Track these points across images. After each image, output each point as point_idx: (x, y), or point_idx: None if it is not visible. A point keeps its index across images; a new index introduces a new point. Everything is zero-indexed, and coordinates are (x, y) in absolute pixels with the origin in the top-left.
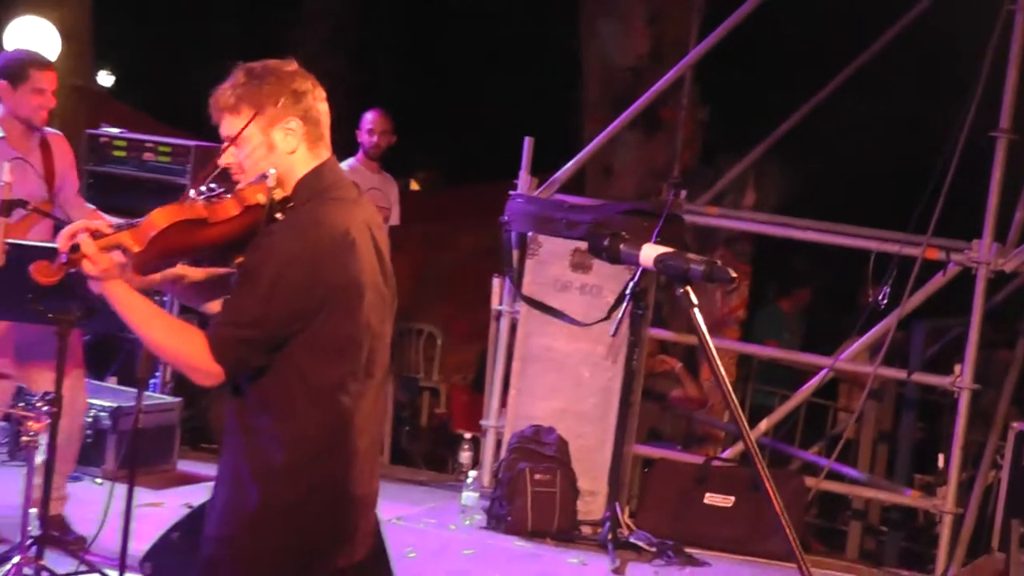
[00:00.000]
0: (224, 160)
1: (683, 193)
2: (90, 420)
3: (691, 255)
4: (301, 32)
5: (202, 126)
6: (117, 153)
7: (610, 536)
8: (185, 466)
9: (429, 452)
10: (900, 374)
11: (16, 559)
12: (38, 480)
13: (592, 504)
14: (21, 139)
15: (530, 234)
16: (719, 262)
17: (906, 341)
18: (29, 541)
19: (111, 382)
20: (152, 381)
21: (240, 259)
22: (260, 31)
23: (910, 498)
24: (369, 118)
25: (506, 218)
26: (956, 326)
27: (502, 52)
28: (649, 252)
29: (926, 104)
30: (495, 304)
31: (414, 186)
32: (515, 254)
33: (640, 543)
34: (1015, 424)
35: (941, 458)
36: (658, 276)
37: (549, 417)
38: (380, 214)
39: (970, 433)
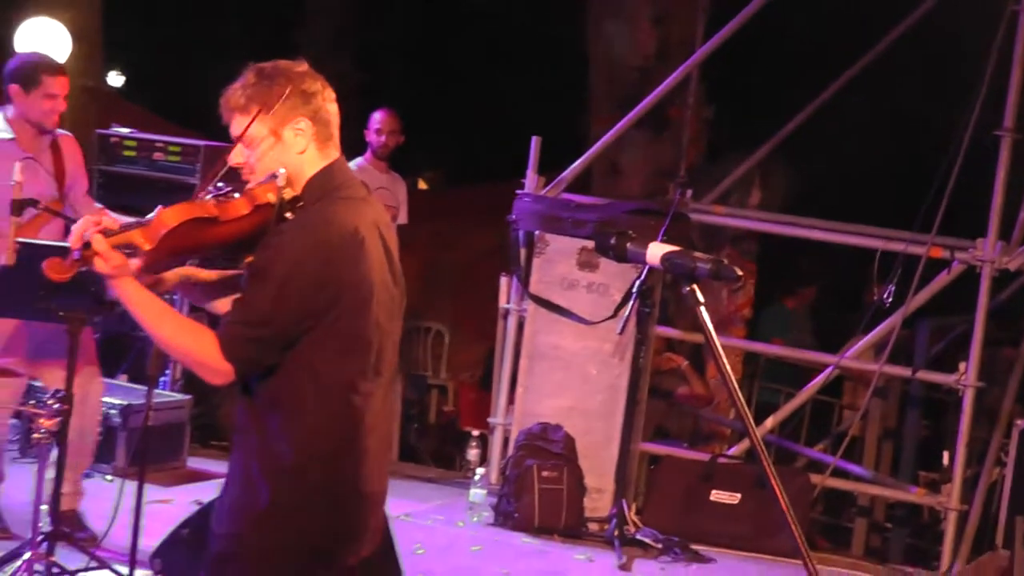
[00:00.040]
0: (234, 159)
1: (689, 192)
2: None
3: (697, 253)
4: (308, 32)
5: (211, 126)
6: (127, 153)
7: (617, 533)
8: (195, 463)
9: (437, 449)
10: (905, 372)
11: (27, 555)
12: (49, 476)
13: (599, 501)
14: (32, 140)
15: (537, 233)
16: (725, 260)
17: (911, 339)
18: (40, 537)
19: (122, 380)
20: (162, 379)
21: (250, 258)
22: (267, 32)
23: (915, 495)
24: (377, 118)
25: (513, 217)
26: (960, 324)
27: (509, 52)
28: (656, 250)
29: (931, 104)
30: (503, 302)
31: (422, 185)
32: (522, 253)
33: (646, 540)
34: (1019, 421)
35: (946, 455)
36: (664, 274)
37: (556, 414)
38: (388, 213)
39: (974, 430)
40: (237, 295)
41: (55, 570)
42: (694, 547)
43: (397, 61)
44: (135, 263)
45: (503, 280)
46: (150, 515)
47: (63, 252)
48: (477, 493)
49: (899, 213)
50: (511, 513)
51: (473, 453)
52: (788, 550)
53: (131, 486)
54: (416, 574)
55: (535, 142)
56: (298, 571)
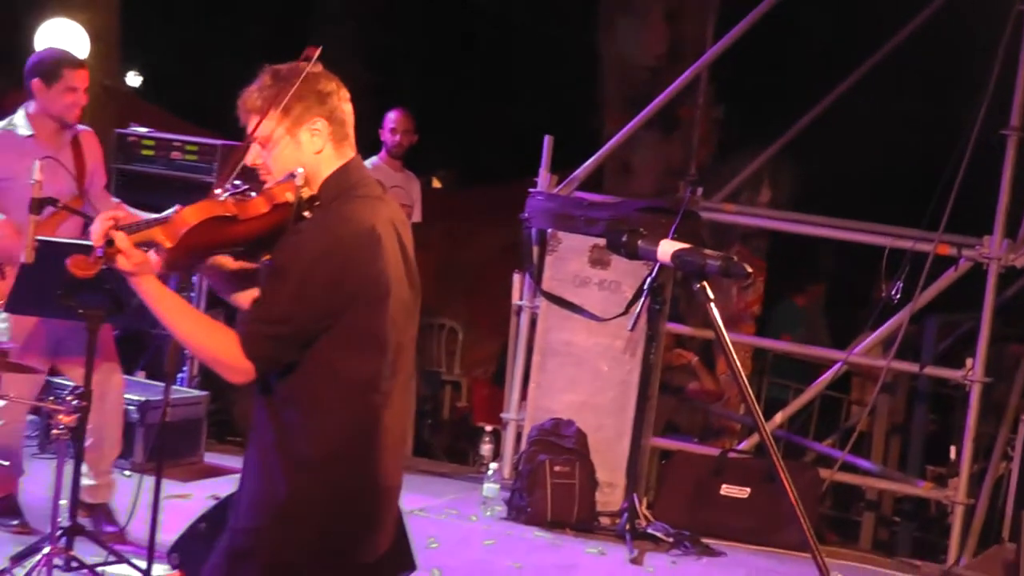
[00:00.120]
0: (251, 160)
1: (700, 190)
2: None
3: (707, 251)
4: (322, 34)
5: (227, 125)
6: (145, 152)
7: (628, 527)
8: (212, 458)
9: (451, 445)
10: (912, 368)
11: (46, 549)
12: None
13: (611, 495)
14: (53, 136)
15: (550, 231)
16: (735, 258)
17: (918, 335)
18: (59, 532)
19: (140, 376)
20: (180, 375)
21: (267, 256)
22: (282, 33)
23: (922, 489)
24: (391, 117)
25: (526, 215)
26: (967, 321)
27: (522, 52)
28: (666, 248)
29: (938, 103)
30: (515, 299)
31: (436, 184)
32: (535, 250)
33: (658, 533)
34: None
35: (953, 450)
36: (675, 272)
37: (568, 410)
38: (403, 212)
39: (981, 425)
40: (256, 291)
41: (74, 564)
42: (704, 541)
43: (411, 61)
44: (155, 260)
45: (516, 277)
46: (168, 510)
47: (83, 250)
48: (490, 488)
49: (907, 211)
50: (524, 507)
51: (486, 448)
52: (797, 543)
53: (149, 481)
54: (430, 568)
55: (548, 141)
56: (316, 567)
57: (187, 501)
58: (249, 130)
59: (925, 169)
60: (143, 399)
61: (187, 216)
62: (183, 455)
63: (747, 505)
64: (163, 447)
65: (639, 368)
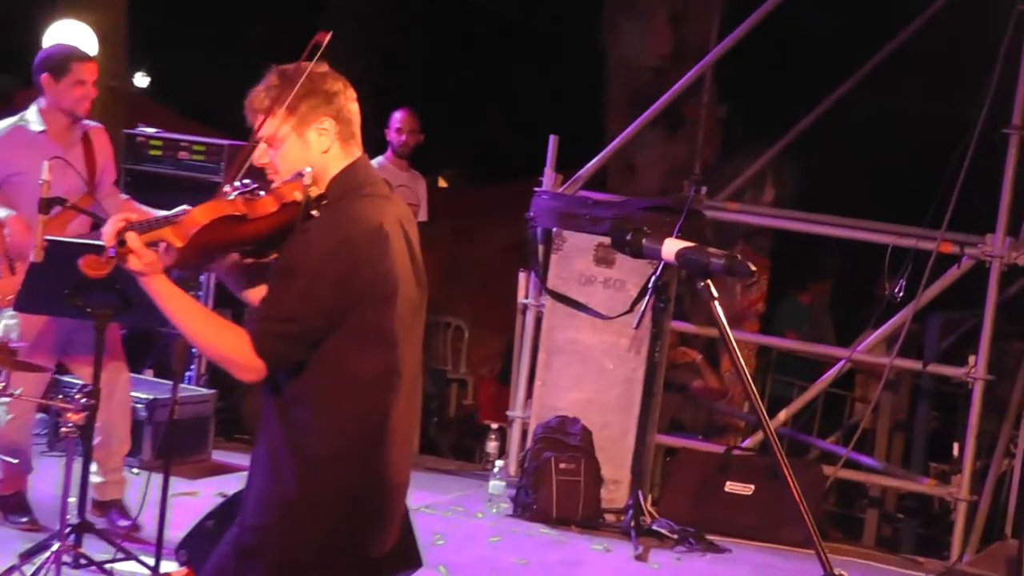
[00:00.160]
0: (259, 159)
1: (704, 189)
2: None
3: (711, 249)
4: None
5: (233, 125)
6: (153, 152)
7: (633, 523)
8: (219, 456)
9: (457, 442)
10: (916, 365)
11: (55, 546)
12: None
13: (616, 492)
14: (64, 132)
15: (555, 230)
16: (739, 256)
17: (921, 333)
18: (68, 529)
19: (147, 375)
20: (187, 374)
21: (275, 255)
22: (287, 33)
23: (925, 486)
24: (397, 117)
25: (531, 214)
26: (970, 318)
27: (528, 52)
28: (671, 247)
29: (940, 101)
30: (521, 298)
31: (442, 183)
32: (540, 249)
33: (662, 530)
34: None
35: (956, 447)
36: (679, 270)
37: (574, 408)
38: (409, 211)
39: (984, 423)
40: (265, 284)
41: (82, 561)
42: (709, 537)
43: (416, 61)
44: (166, 260)
45: (521, 276)
46: (176, 507)
47: (92, 249)
48: (496, 485)
49: (909, 209)
50: (529, 504)
51: (492, 446)
52: (801, 540)
53: (157, 479)
54: (436, 564)
55: (553, 141)
56: (324, 564)
57: (195, 498)
58: (256, 129)
59: (927, 168)
60: (151, 397)
61: (197, 216)
62: (191, 453)
63: (751, 502)
64: (171, 445)
65: (644, 366)
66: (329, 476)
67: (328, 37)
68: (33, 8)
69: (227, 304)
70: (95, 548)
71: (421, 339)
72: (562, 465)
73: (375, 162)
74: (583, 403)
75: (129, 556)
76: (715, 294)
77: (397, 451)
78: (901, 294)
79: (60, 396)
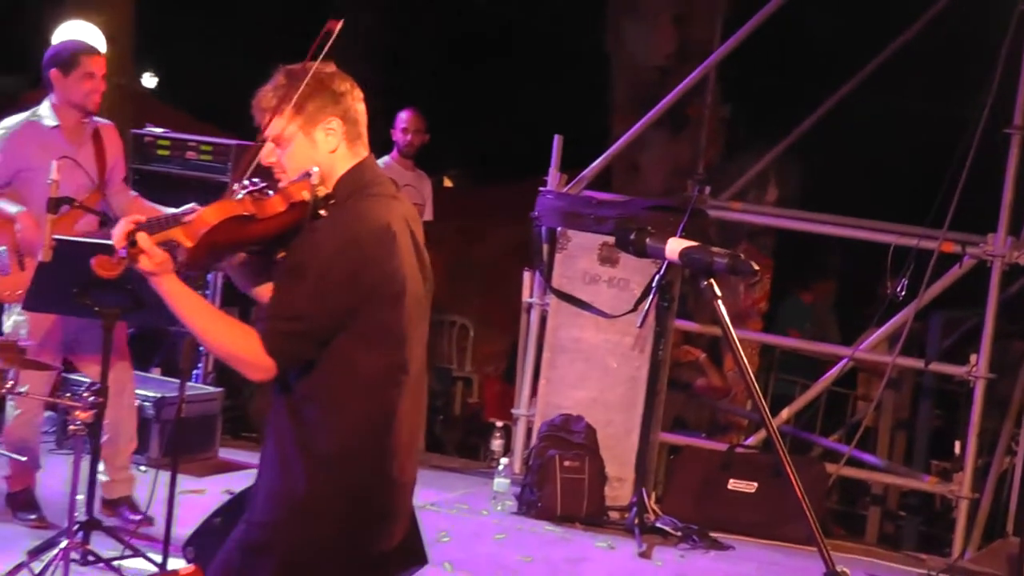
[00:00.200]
0: (266, 159)
1: (707, 189)
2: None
3: (715, 249)
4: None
5: (241, 125)
6: (161, 152)
7: (637, 521)
8: (226, 454)
9: (462, 440)
10: (917, 364)
11: (63, 543)
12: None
13: (620, 490)
14: (75, 128)
15: (559, 229)
16: (742, 256)
17: (923, 332)
18: (76, 526)
19: (155, 373)
20: (195, 372)
21: (282, 254)
22: (293, 33)
23: (927, 484)
24: (403, 117)
25: (536, 214)
26: (972, 317)
27: (533, 53)
28: (674, 246)
29: (942, 102)
30: (526, 297)
31: (447, 183)
32: (545, 248)
33: (666, 527)
34: None
35: (957, 445)
36: (683, 269)
37: (578, 406)
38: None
39: (985, 421)
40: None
41: (90, 558)
42: (712, 534)
43: (422, 61)
44: (176, 260)
45: (526, 275)
46: (183, 505)
47: (102, 249)
48: (501, 483)
49: (911, 209)
50: (534, 502)
51: (497, 444)
52: (804, 537)
53: (164, 476)
54: (441, 562)
55: (557, 141)
56: (333, 560)
57: (202, 496)
58: (263, 128)
59: (929, 167)
60: (159, 395)
61: (207, 216)
62: (198, 450)
63: (754, 499)
64: (178, 443)
65: (648, 364)
66: (338, 473)
67: (339, 25)
68: (41, 9)
69: (234, 302)
70: (103, 545)
71: (427, 337)
72: (566, 463)
73: (381, 162)
74: (587, 401)
75: (137, 553)
76: (718, 293)
77: (404, 449)
78: (903, 293)
79: (68, 394)
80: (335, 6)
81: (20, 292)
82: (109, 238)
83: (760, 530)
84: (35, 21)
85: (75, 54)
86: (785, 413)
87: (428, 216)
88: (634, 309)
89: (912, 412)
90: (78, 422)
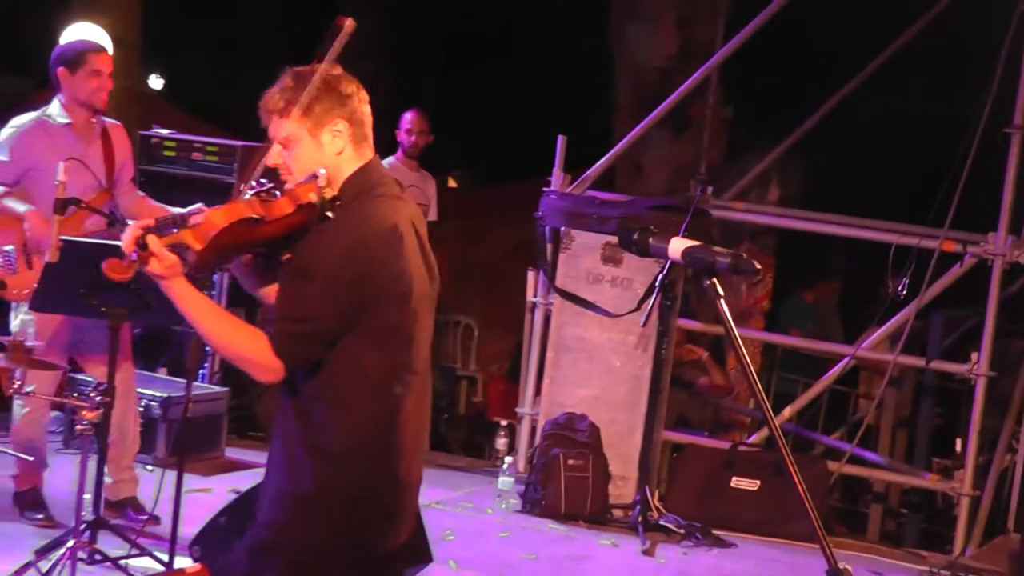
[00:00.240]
0: (273, 161)
1: (710, 189)
2: (141, 409)
3: (717, 248)
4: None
5: (246, 126)
6: (167, 153)
7: (640, 519)
8: (233, 453)
9: (467, 439)
10: (919, 362)
11: (70, 543)
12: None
13: (623, 488)
14: (84, 126)
15: (563, 229)
16: (744, 255)
17: (924, 330)
18: (83, 525)
19: (161, 373)
20: (201, 372)
21: (287, 255)
22: (299, 34)
23: (929, 481)
24: (407, 118)
25: (540, 214)
26: (972, 316)
27: (536, 54)
28: (677, 245)
29: (943, 102)
30: (530, 296)
31: (452, 183)
32: (549, 248)
33: (669, 525)
34: None
35: (958, 443)
36: (686, 269)
37: (582, 405)
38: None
39: (986, 418)
40: (279, 284)
41: (97, 557)
42: (715, 532)
43: (426, 62)
44: (185, 262)
45: (530, 275)
46: (189, 504)
47: (109, 250)
48: (505, 481)
49: (912, 208)
50: (538, 500)
51: (501, 442)
52: (806, 535)
53: (171, 475)
54: (446, 559)
55: (561, 141)
56: (341, 557)
57: (208, 495)
58: (270, 131)
59: (930, 167)
60: (165, 395)
61: (216, 219)
62: (204, 450)
63: (757, 497)
64: (185, 442)
65: (651, 363)
66: (345, 473)
67: (349, 22)
68: (48, 11)
69: (240, 303)
70: (110, 544)
71: (432, 336)
72: (570, 461)
73: (385, 163)
74: (591, 400)
75: (144, 552)
76: (721, 292)
77: (410, 448)
78: (904, 292)
79: (75, 394)
80: (338, 8)
81: (28, 291)
82: (117, 239)
83: (763, 528)
84: (42, 23)
85: (81, 52)
86: (787, 411)
87: (432, 216)
88: (637, 308)
89: (913, 410)
90: (85, 422)
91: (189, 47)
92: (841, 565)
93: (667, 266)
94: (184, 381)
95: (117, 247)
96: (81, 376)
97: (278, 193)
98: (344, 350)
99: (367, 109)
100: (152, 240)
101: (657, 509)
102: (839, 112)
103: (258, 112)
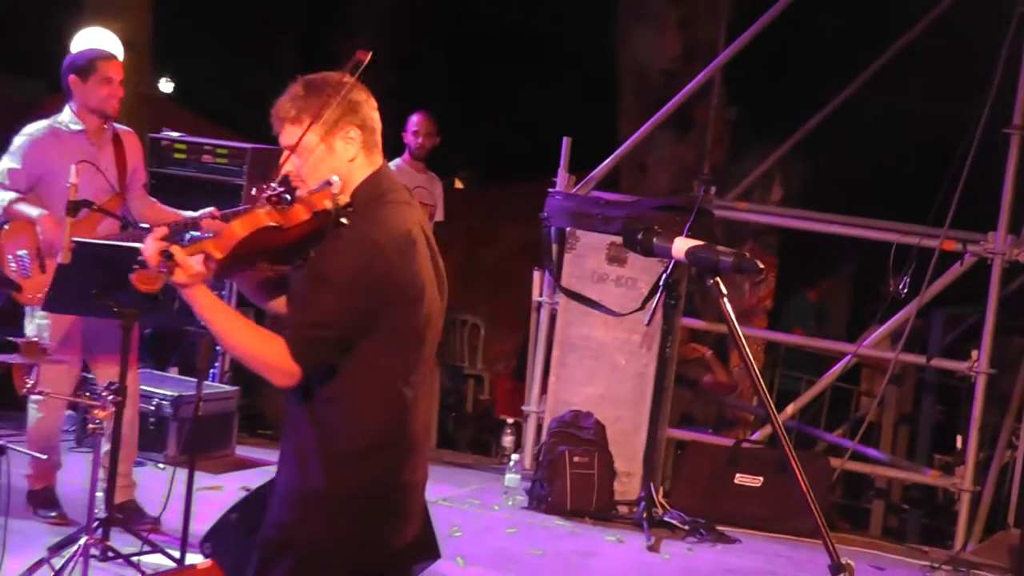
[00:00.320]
0: (285, 168)
1: (713, 189)
2: (152, 408)
3: (721, 248)
4: (351, 39)
5: (254, 128)
6: (178, 155)
7: (645, 515)
8: (243, 451)
9: (474, 437)
10: (920, 360)
11: (83, 540)
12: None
13: (628, 485)
14: (96, 133)
15: (568, 229)
16: (747, 254)
17: (925, 328)
18: (95, 523)
19: (173, 372)
20: (211, 371)
21: (299, 262)
22: (305, 37)
23: (930, 477)
24: (414, 120)
25: (545, 214)
26: (973, 314)
27: (541, 56)
28: (681, 245)
29: (943, 102)
30: (535, 296)
31: (458, 184)
32: (554, 248)
33: (674, 521)
34: None
35: (959, 439)
36: (690, 268)
37: (587, 402)
38: (426, 212)
39: (987, 415)
40: (288, 297)
41: (110, 554)
42: (719, 528)
43: (433, 64)
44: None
45: (536, 274)
46: (200, 501)
47: (123, 252)
48: (512, 478)
49: (913, 208)
50: (544, 497)
51: (508, 440)
52: (809, 531)
53: (182, 474)
54: (453, 556)
55: (566, 143)
56: (351, 555)
57: (219, 493)
58: (281, 139)
59: (931, 167)
60: (176, 394)
61: (237, 228)
62: (215, 448)
63: (760, 493)
64: (196, 440)
65: (655, 361)
66: (355, 473)
67: (369, 57)
68: (60, 15)
69: (249, 303)
70: (122, 542)
71: (440, 337)
72: (576, 458)
73: (392, 164)
74: (596, 398)
75: (155, 549)
76: (724, 291)
77: (418, 448)
78: (905, 291)
79: (87, 393)
80: (348, 11)
81: (42, 295)
82: (130, 242)
83: (766, 524)
84: (54, 27)
85: (92, 60)
86: (790, 408)
87: (439, 217)
88: (642, 307)
89: (915, 407)
90: (97, 420)
91: (199, 50)
92: (844, 560)
93: (671, 265)
94: (195, 380)
95: (128, 248)
96: (92, 376)
97: (288, 198)
98: (358, 353)
99: (377, 116)
100: (177, 251)
101: (662, 505)
102: (840, 113)
103: (267, 116)
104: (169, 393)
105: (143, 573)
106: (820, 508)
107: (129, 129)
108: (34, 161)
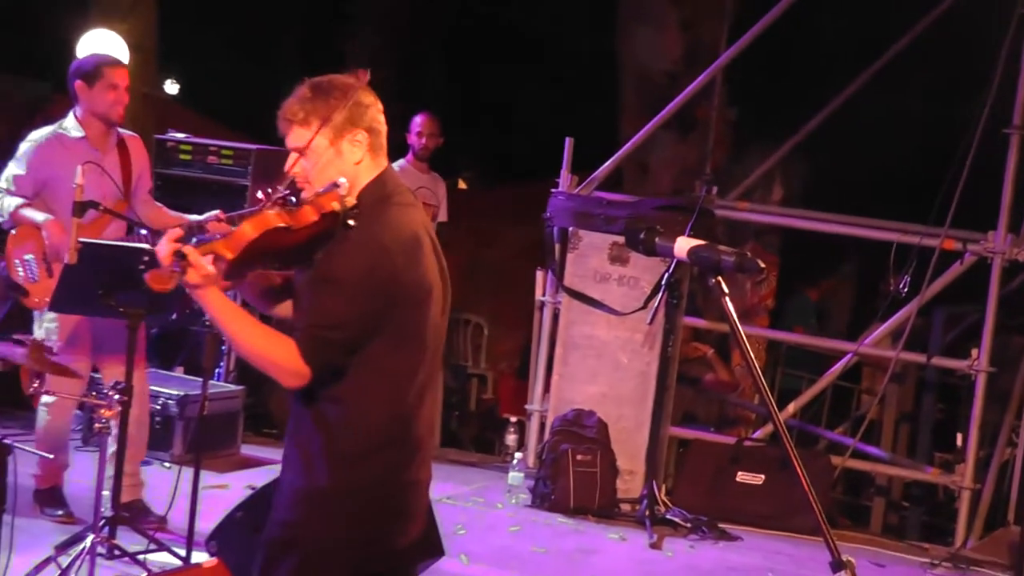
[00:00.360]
0: (290, 170)
1: (715, 189)
2: (159, 408)
3: (722, 247)
4: (350, 38)
5: (259, 129)
6: (183, 157)
7: (648, 513)
8: (248, 450)
9: (477, 435)
10: (920, 358)
11: (90, 538)
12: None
13: (631, 483)
14: (100, 139)
15: (571, 229)
16: (749, 254)
17: (926, 327)
18: (102, 521)
19: (178, 372)
20: (217, 370)
21: (305, 264)
22: (310, 39)
23: (930, 475)
24: (418, 121)
25: (548, 214)
26: (973, 312)
27: (544, 56)
28: (683, 245)
29: (943, 103)
30: (538, 295)
31: (461, 185)
32: (557, 248)
33: (676, 519)
34: None
35: (959, 437)
36: (691, 267)
37: (590, 401)
38: (429, 212)
39: (987, 413)
40: (294, 300)
41: (117, 552)
42: (721, 526)
43: (436, 65)
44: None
45: (539, 274)
46: (206, 500)
47: (128, 252)
48: (515, 476)
49: (913, 207)
50: (548, 495)
51: (511, 438)
52: (810, 528)
53: (188, 472)
54: (457, 553)
55: (568, 143)
56: (356, 553)
57: (225, 491)
58: (288, 141)
59: (931, 167)
60: (182, 394)
61: (247, 230)
62: (220, 447)
63: (762, 491)
64: (201, 439)
65: (657, 360)
66: (359, 473)
67: (367, 77)
68: (67, 18)
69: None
70: (128, 540)
71: (444, 337)
72: (579, 457)
73: (396, 165)
74: (599, 396)
75: (161, 547)
76: (726, 290)
77: (423, 447)
78: (906, 289)
79: (93, 393)
80: (353, 12)
81: (48, 299)
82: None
83: (768, 521)
84: (60, 29)
85: (98, 66)
86: (792, 407)
87: (443, 217)
88: (644, 306)
89: (915, 405)
90: (104, 420)
91: (204, 52)
92: (845, 557)
93: (673, 265)
94: (200, 379)
95: (134, 249)
96: (99, 376)
97: (294, 199)
98: (365, 354)
99: (382, 118)
100: (190, 251)
101: (664, 503)
102: (841, 113)
103: (272, 117)
104: (175, 392)
105: (149, 571)
106: (821, 505)
107: (134, 134)
108: (39, 167)
